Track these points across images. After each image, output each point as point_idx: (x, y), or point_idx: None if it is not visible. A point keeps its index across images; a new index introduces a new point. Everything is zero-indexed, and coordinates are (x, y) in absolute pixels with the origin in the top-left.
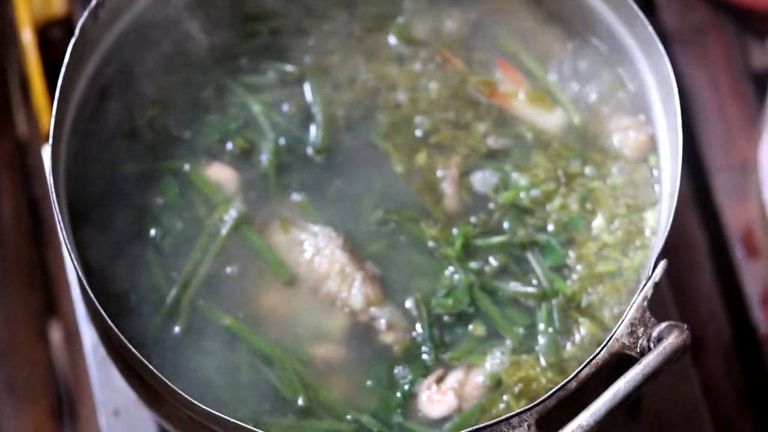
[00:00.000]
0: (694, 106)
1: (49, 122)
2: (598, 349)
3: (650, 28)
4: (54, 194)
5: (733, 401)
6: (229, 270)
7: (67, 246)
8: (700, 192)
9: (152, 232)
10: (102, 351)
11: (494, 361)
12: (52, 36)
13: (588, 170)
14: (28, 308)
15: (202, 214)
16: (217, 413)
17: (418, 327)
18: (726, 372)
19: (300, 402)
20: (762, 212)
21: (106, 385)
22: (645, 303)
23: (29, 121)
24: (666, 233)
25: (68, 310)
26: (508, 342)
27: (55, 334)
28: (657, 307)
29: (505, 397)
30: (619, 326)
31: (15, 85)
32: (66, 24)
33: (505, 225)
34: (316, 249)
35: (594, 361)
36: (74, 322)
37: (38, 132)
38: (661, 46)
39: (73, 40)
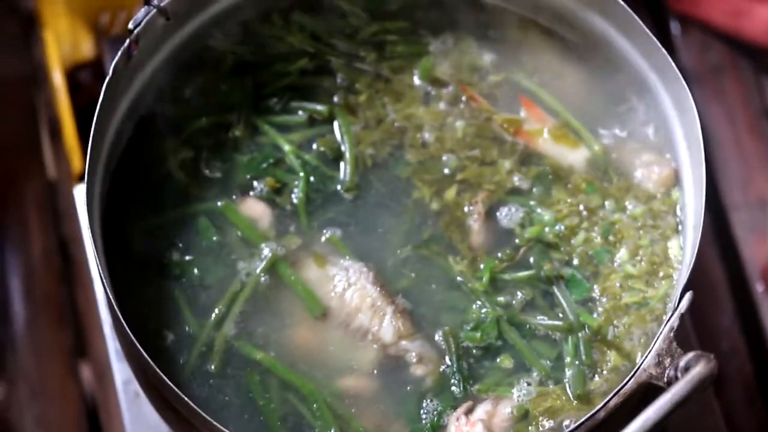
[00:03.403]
0: (713, 145)
1: (79, 163)
2: (626, 379)
3: (674, 65)
4: (89, 231)
5: None
6: (261, 305)
7: (103, 282)
8: (719, 229)
9: (185, 269)
10: (133, 388)
11: (521, 392)
12: (81, 79)
13: (608, 203)
14: (59, 346)
15: (236, 251)
16: None
17: (447, 360)
18: (748, 406)
19: None
20: None
21: (137, 421)
22: (672, 334)
23: (58, 162)
24: (691, 266)
25: (99, 348)
26: (535, 374)
27: (86, 371)
28: (680, 341)
29: (531, 429)
30: (646, 357)
31: (44, 127)
32: (94, 67)
33: (531, 259)
34: (347, 284)
35: (622, 391)
36: (105, 359)
37: (68, 173)
38: (684, 83)
39: (107, 80)
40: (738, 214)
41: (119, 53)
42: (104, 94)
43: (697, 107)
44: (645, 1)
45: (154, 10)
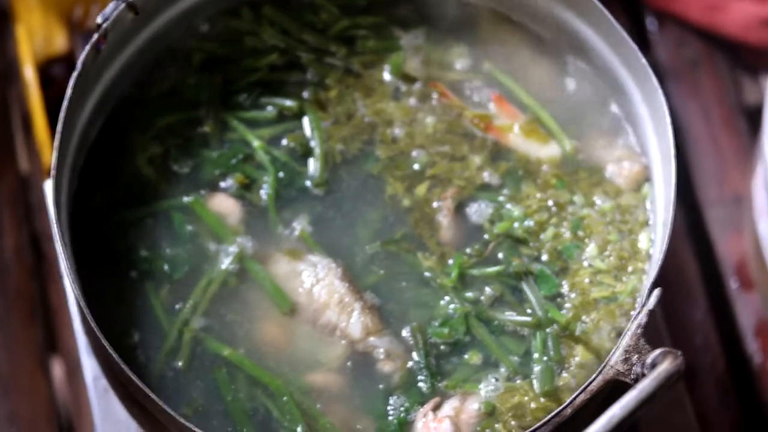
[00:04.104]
0: (688, 140)
1: (50, 157)
2: (593, 376)
3: (644, 61)
4: (57, 226)
5: (727, 431)
6: (230, 300)
7: (69, 277)
8: (693, 224)
9: (154, 265)
10: (103, 383)
11: (489, 388)
12: (54, 73)
13: (577, 199)
14: (30, 342)
15: (205, 247)
16: None
17: (415, 356)
18: (720, 402)
19: (299, 430)
20: (756, 245)
21: (107, 417)
22: (639, 330)
23: (31, 157)
24: (660, 262)
25: (69, 344)
26: (503, 370)
27: (56, 367)
28: (651, 337)
29: (498, 425)
30: (614, 353)
31: (17, 121)
32: (67, 61)
33: (500, 255)
34: (315, 279)
35: (589, 387)
36: (75, 355)
37: (40, 168)
38: (654, 79)
39: (75, 74)
40: (713, 210)
41: (87, 48)
42: (72, 89)
43: (672, 103)
44: None
45: (123, 5)
